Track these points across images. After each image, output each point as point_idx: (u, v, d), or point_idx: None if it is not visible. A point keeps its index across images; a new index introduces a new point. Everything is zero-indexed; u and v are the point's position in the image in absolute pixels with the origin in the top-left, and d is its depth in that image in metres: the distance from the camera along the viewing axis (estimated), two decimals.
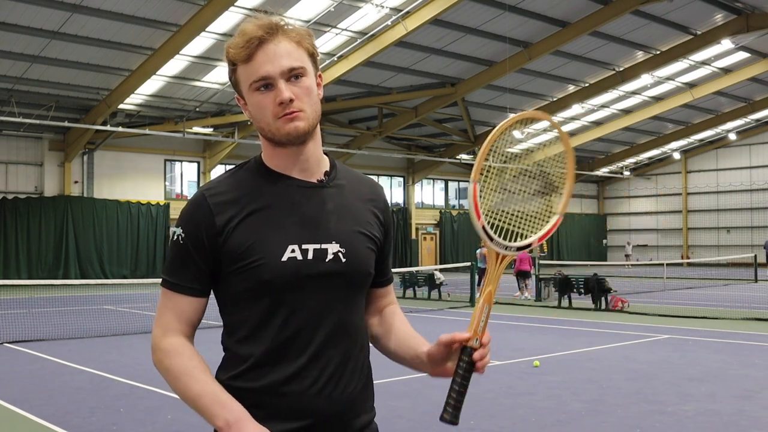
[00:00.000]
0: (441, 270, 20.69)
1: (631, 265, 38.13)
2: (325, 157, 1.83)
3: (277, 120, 1.69)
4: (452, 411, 1.67)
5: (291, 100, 1.67)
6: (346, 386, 1.73)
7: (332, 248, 1.72)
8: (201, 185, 1.88)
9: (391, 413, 6.65)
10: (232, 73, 1.75)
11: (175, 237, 1.74)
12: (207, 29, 20.21)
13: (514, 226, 1.81)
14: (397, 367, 2.01)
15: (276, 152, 1.76)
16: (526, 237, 1.81)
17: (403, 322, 1.93)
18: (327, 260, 1.71)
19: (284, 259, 1.67)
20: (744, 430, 6.16)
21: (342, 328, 1.73)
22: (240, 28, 1.74)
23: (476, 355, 1.68)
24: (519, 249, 1.78)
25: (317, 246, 1.71)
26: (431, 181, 40.58)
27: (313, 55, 1.76)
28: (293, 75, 1.70)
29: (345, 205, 1.78)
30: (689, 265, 41.60)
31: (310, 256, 1.69)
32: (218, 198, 1.72)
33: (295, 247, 1.69)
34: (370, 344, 1.89)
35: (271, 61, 1.68)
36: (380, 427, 1.88)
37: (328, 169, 1.81)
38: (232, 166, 1.84)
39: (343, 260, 1.73)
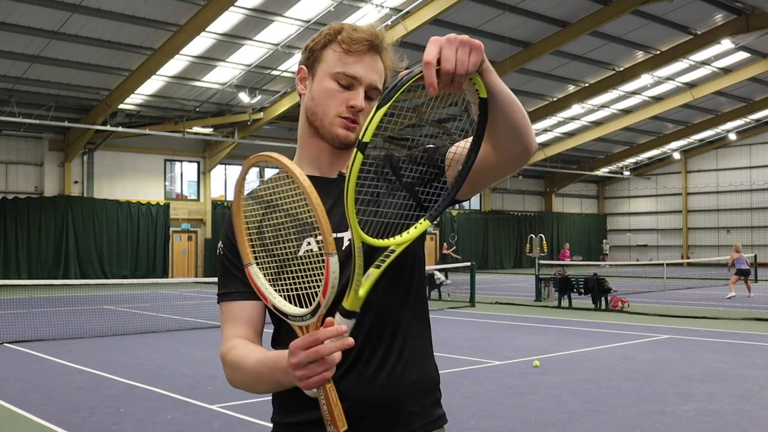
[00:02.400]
0: (441, 270, 20.70)
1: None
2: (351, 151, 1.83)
3: (337, 117, 1.72)
4: None
5: (360, 110, 1.72)
6: (377, 366, 1.68)
7: (347, 235, 1.70)
8: None
9: None
10: (321, 46, 1.74)
11: (218, 251, 1.80)
12: (207, 29, 20.23)
13: (299, 287, 1.54)
14: None
15: (311, 140, 1.78)
16: (315, 296, 1.49)
17: None
18: (343, 248, 1.70)
19: (301, 253, 1.66)
20: (744, 430, 6.16)
21: (373, 312, 1.68)
22: (357, 25, 1.77)
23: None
24: (313, 314, 1.45)
25: (333, 236, 1.70)
26: None
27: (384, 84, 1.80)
28: (370, 93, 1.74)
29: (367, 189, 1.74)
30: (689, 265, 41.60)
31: None
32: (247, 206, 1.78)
33: (311, 239, 1.68)
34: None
35: (367, 70, 1.72)
36: None
37: None
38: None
39: (358, 245, 1.71)
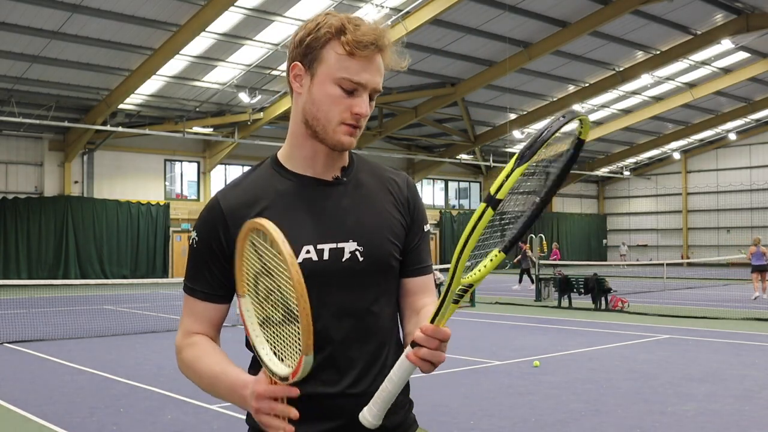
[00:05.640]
0: (441, 270, 20.68)
1: (627, 264, 38.33)
2: (345, 152, 1.77)
3: (340, 125, 1.64)
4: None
5: (365, 116, 1.67)
6: (371, 387, 1.67)
7: (349, 247, 1.67)
8: (218, 191, 1.78)
9: None
10: (320, 43, 1.63)
11: (191, 241, 1.73)
12: (207, 29, 20.23)
13: (278, 346, 1.47)
14: None
15: (306, 142, 1.70)
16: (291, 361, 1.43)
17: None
18: (344, 260, 1.66)
19: (299, 260, 1.62)
20: (744, 430, 6.16)
21: (365, 328, 1.69)
22: (364, 21, 1.66)
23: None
24: (283, 379, 1.43)
25: (333, 245, 1.66)
26: (431, 181, 40.59)
27: None
28: (372, 95, 1.68)
29: (362, 201, 1.72)
30: (689, 265, 41.61)
31: (326, 256, 1.65)
32: (232, 200, 1.69)
33: (310, 247, 1.65)
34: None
35: (372, 75, 1.64)
36: None
37: (345, 164, 1.75)
38: (248, 167, 1.78)
39: (361, 259, 1.67)
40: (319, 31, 1.63)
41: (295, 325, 1.40)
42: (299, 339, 1.38)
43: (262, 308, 1.49)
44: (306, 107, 1.67)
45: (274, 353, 1.47)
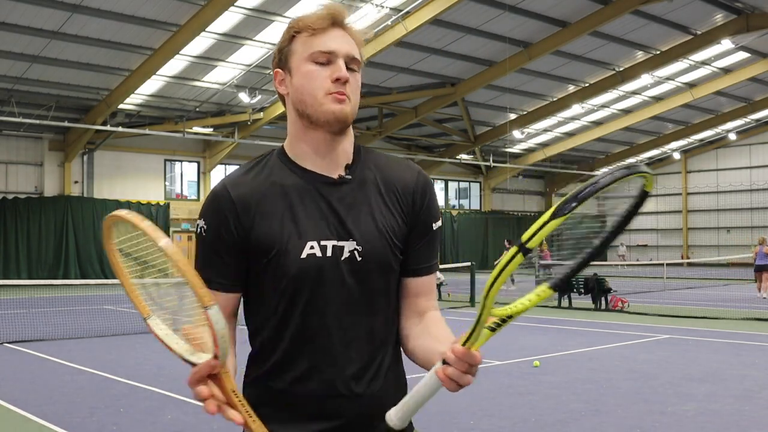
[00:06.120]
0: (441, 270, 20.69)
1: (627, 264, 38.34)
2: (351, 146, 1.77)
3: (327, 96, 1.66)
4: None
5: (346, 81, 1.67)
6: (369, 387, 1.68)
7: (349, 246, 1.67)
8: (223, 178, 1.76)
9: None
10: (288, 42, 1.71)
11: (198, 230, 1.70)
12: (207, 29, 20.24)
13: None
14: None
15: (306, 136, 1.71)
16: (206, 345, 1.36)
17: (441, 326, 1.74)
18: (343, 258, 1.67)
19: (303, 255, 1.64)
20: (744, 430, 6.16)
21: (364, 328, 1.69)
22: (315, 9, 1.72)
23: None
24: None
25: (335, 242, 1.67)
26: (431, 181, 40.55)
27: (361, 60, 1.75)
28: (351, 66, 1.70)
29: (365, 200, 1.72)
30: (689, 265, 41.61)
31: (328, 252, 1.66)
32: (240, 190, 1.69)
33: (314, 243, 1.66)
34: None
35: (339, 43, 1.69)
36: None
37: (350, 161, 1.75)
38: (246, 162, 1.77)
39: (359, 258, 1.68)
40: (286, 34, 1.73)
41: (186, 290, 1.32)
42: (196, 302, 1.29)
43: (165, 309, 1.45)
44: (294, 98, 1.71)
45: (187, 342, 1.40)
